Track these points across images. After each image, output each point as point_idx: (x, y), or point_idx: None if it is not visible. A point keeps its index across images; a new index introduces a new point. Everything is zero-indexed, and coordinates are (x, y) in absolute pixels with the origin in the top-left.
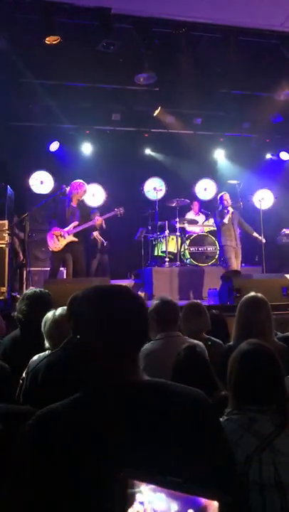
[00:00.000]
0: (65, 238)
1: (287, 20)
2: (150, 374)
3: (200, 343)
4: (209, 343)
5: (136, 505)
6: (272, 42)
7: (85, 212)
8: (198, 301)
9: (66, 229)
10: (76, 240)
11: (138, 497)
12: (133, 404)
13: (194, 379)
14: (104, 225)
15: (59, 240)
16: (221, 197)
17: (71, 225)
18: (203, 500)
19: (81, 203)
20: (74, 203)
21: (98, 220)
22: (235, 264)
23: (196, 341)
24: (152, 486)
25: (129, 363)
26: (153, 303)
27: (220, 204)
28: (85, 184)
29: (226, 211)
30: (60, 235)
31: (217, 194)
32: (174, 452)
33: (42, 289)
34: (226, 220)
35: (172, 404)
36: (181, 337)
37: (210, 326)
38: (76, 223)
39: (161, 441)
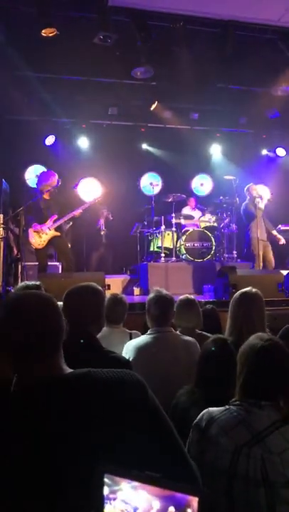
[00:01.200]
0: (47, 234)
1: (285, 15)
2: (141, 368)
3: (193, 340)
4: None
5: (118, 504)
6: (270, 37)
7: (63, 203)
8: (191, 296)
9: (46, 224)
10: (59, 234)
11: (119, 495)
12: (55, 397)
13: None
14: (110, 217)
15: (41, 237)
16: (249, 188)
17: (50, 220)
18: (185, 497)
19: (56, 195)
20: (46, 196)
21: (77, 212)
22: (260, 260)
23: (189, 338)
24: (133, 484)
25: (42, 360)
26: (148, 297)
27: (248, 196)
28: (55, 174)
29: (256, 203)
30: (41, 231)
31: (213, 189)
32: (107, 439)
33: (35, 282)
34: (256, 213)
35: (95, 391)
36: (173, 333)
37: (202, 321)
38: (55, 217)
39: (91, 430)
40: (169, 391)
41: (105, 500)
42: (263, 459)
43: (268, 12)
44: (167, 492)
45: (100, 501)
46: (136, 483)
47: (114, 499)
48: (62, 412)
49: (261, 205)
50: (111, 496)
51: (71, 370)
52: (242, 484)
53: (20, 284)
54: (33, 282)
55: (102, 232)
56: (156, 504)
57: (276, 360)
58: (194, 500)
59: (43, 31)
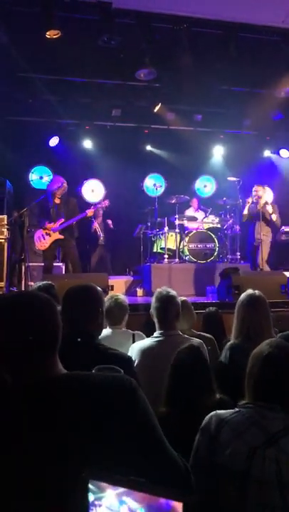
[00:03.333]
0: (50, 236)
1: None
2: (145, 372)
3: (200, 341)
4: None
5: (103, 510)
6: (274, 38)
7: (72, 207)
8: (182, 297)
9: (52, 226)
10: (62, 237)
11: (104, 502)
12: (47, 400)
13: (194, 381)
14: (111, 225)
15: (45, 239)
16: (253, 188)
17: (57, 223)
18: (170, 503)
19: (65, 198)
20: (56, 200)
21: (90, 212)
22: (260, 260)
23: (197, 340)
24: (119, 491)
25: (39, 361)
26: (153, 298)
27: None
28: (64, 180)
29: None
30: (47, 233)
31: (217, 191)
32: (93, 442)
33: (49, 282)
34: (245, 212)
35: (89, 394)
36: (180, 335)
37: (195, 322)
38: (62, 220)
39: (78, 432)
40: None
41: (90, 508)
42: (278, 461)
43: (271, 14)
44: (153, 498)
45: (84, 508)
46: (121, 490)
47: (100, 506)
48: (52, 414)
49: (259, 206)
50: (96, 502)
51: (65, 372)
52: (257, 486)
53: (37, 283)
54: (47, 282)
55: (97, 231)
56: (142, 511)
57: (285, 365)
58: (179, 506)
59: (47, 33)
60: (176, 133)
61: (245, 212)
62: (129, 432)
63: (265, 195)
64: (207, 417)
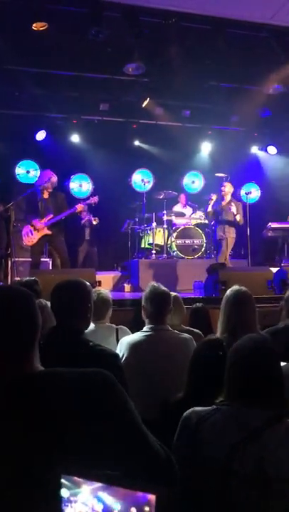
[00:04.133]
0: (38, 232)
1: (278, 14)
2: (134, 366)
3: (190, 337)
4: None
5: (78, 506)
6: (262, 35)
7: (60, 202)
8: (174, 293)
9: (41, 222)
10: (50, 232)
11: (80, 498)
12: (24, 397)
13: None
14: (94, 222)
15: (33, 234)
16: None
17: (45, 219)
18: (145, 496)
19: (54, 193)
20: (45, 195)
21: (79, 207)
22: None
23: (186, 335)
24: (94, 486)
25: (17, 358)
26: (144, 292)
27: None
28: (53, 174)
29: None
30: (35, 228)
31: (205, 187)
32: (76, 439)
33: (32, 278)
34: (209, 209)
35: (66, 390)
36: (170, 331)
37: (185, 318)
38: (50, 216)
39: (60, 429)
40: (163, 389)
41: (66, 503)
42: (259, 457)
43: (260, 10)
44: (129, 492)
45: (57, 504)
46: (97, 485)
47: (75, 502)
48: (29, 411)
49: (224, 203)
50: (72, 498)
51: (42, 369)
52: (238, 483)
53: (23, 279)
54: (30, 278)
55: (87, 223)
56: (118, 506)
57: (264, 361)
58: (153, 498)
59: (33, 25)
60: (164, 128)
61: (210, 209)
62: (108, 427)
63: (230, 193)
64: (186, 414)
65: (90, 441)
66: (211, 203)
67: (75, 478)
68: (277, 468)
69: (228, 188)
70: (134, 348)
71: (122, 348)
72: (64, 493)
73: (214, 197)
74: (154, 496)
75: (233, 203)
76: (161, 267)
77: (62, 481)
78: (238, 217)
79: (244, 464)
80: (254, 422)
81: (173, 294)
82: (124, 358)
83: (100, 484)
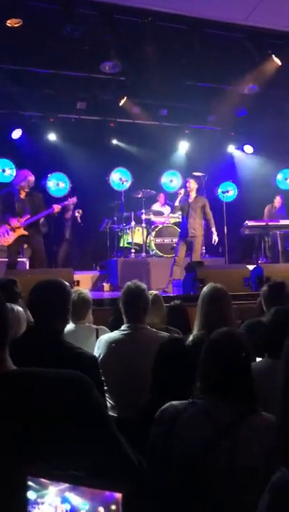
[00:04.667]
0: (15, 232)
1: (252, 15)
2: (111, 364)
3: (167, 335)
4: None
5: (45, 508)
6: (238, 36)
7: (38, 201)
8: (155, 291)
9: (18, 222)
10: (26, 233)
11: (47, 499)
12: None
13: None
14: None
15: (9, 234)
16: (185, 181)
17: (22, 219)
18: (114, 495)
19: (31, 193)
20: (22, 195)
21: (56, 207)
22: (181, 253)
23: (164, 334)
24: (61, 487)
25: None
26: (122, 292)
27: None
28: (30, 174)
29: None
30: (12, 228)
31: (183, 186)
32: (48, 441)
33: (10, 278)
34: (176, 203)
35: (37, 389)
36: (148, 329)
37: (166, 316)
38: (27, 216)
39: (33, 430)
40: (140, 388)
41: (32, 505)
42: (231, 450)
43: (235, 11)
44: (97, 492)
45: (23, 505)
46: (63, 486)
47: (42, 503)
48: (1, 410)
49: (190, 199)
50: (39, 500)
51: (15, 368)
52: (212, 476)
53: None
54: (7, 278)
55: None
56: (86, 506)
57: (231, 354)
58: (120, 497)
59: (7, 21)
60: (141, 127)
61: (177, 203)
62: (81, 430)
63: (195, 189)
64: (163, 407)
65: (60, 442)
66: (179, 197)
67: (42, 479)
68: (249, 462)
69: (192, 185)
70: (111, 346)
71: (99, 347)
72: (31, 495)
73: (182, 191)
74: (120, 494)
75: (199, 200)
76: (140, 265)
77: (29, 483)
78: (206, 214)
79: (217, 458)
80: (227, 416)
81: (154, 292)
82: (101, 356)
83: (66, 485)
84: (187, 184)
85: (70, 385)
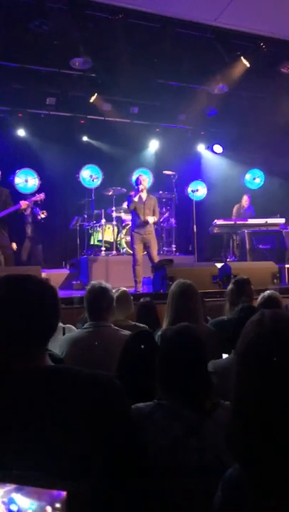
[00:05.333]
0: None
1: (221, 16)
2: (73, 362)
3: (129, 333)
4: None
5: None
6: (208, 36)
7: (4, 198)
8: (123, 288)
9: None
10: None
11: None
12: (30, 390)
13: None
14: (42, 215)
15: None
16: (137, 178)
17: None
18: (61, 493)
19: None
20: None
21: (24, 204)
22: (140, 253)
23: (127, 333)
24: (6, 489)
25: (24, 350)
26: (86, 289)
27: (135, 184)
28: None
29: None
30: None
31: (153, 184)
32: (78, 441)
33: None
34: (133, 205)
35: (74, 389)
36: (110, 327)
37: (133, 312)
38: None
39: (61, 429)
40: None
41: None
42: (199, 450)
43: (205, 12)
44: (43, 491)
45: None
46: (9, 487)
47: None
48: (28, 403)
49: (143, 195)
50: None
51: (51, 364)
52: (182, 477)
53: None
54: None
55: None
56: (33, 506)
57: (188, 353)
58: (64, 495)
59: None
60: (112, 124)
61: (136, 199)
62: (104, 427)
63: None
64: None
65: (87, 446)
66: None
67: None
68: (218, 457)
69: (146, 183)
70: (73, 344)
71: (63, 345)
72: None
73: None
74: (65, 492)
75: (151, 198)
76: (110, 263)
77: None
78: (151, 220)
79: (188, 458)
80: (192, 415)
81: (121, 288)
82: (63, 354)
83: (13, 486)
84: (141, 181)
85: (100, 386)
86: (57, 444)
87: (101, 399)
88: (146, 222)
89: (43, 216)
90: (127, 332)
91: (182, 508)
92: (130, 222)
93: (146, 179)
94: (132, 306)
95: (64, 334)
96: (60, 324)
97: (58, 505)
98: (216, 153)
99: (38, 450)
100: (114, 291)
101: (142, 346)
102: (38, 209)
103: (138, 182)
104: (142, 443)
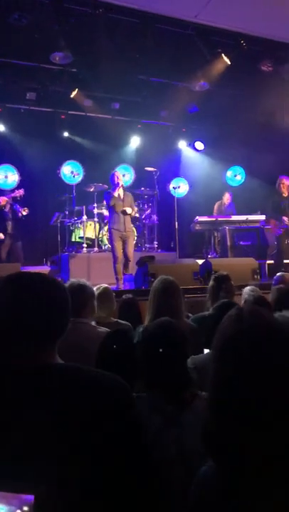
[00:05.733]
0: None
1: (202, 12)
2: None
3: (105, 330)
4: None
5: None
6: (188, 32)
7: None
8: (104, 285)
9: None
10: None
11: None
12: (39, 387)
13: (119, 365)
14: (24, 212)
15: None
16: (112, 175)
17: None
18: (29, 497)
19: None
20: None
21: (3, 200)
22: (120, 250)
23: (105, 330)
24: None
25: (35, 346)
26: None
27: (110, 182)
28: None
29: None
30: None
31: (135, 181)
32: (85, 442)
33: None
34: (113, 202)
35: (72, 387)
36: (88, 324)
37: (116, 310)
38: None
39: (68, 430)
40: None
41: None
42: (178, 439)
43: (185, 8)
44: (12, 495)
45: None
46: None
47: None
48: (34, 401)
49: (118, 192)
50: None
51: (60, 362)
52: (163, 467)
53: None
54: None
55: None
56: (3, 510)
57: (169, 346)
58: (32, 499)
59: None
60: (94, 120)
61: (116, 194)
62: (111, 432)
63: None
64: None
65: (94, 449)
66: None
67: None
68: (196, 446)
69: (121, 179)
70: None
71: None
72: None
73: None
74: (32, 496)
75: (128, 195)
76: (92, 260)
77: None
78: (129, 210)
79: (168, 449)
80: (170, 406)
81: (103, 285)
82: None
83: None
84: (117, 177)
85: (114, 392)
86: (43, 445)
87: (107, 399)
88: (125, 212)
89: (24, 213)
90: (104, 329)
91: (163, 499)
92: None
93: (121, 176)
94: (114, 303)
95: None
96: None
97: (25, 508)
98: (197, 150)
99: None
100: (95, 288)
101: (114, 346)
102: (18, 206)
103: (114, 179)
104: (144, 443)
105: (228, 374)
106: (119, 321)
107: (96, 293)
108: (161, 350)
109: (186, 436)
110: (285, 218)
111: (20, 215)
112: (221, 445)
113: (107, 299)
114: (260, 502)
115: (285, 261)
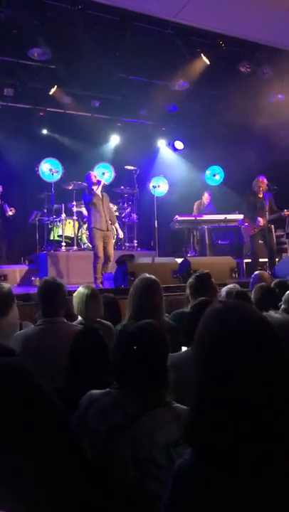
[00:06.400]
0: None
1: (181, 12)
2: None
3: (81, 327)
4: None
5: None
6: (168, 32)
7: None
8: (90, 286)
9: None
10: None
11: None
12: None
13: (92, 362)
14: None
15: None
16: (89, 175)
17: None
18: None
19: None
20: None
21: None
22: (102, 250)
23: (79, 326)
24: None
25: None
26: (39, 286)
27: (87, 182)
28: None
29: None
30: None
31: (114, 179)
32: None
33: None
34: (94, 200)
35: None
36: (65, 323)
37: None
38: None
39: None
40: (56, 382)
41: None
42: (134, 440)
43: (164, 7)
44: None
45: None
46: None
47: None
48: None
49: (98, 191)
50: None
51: None
52: (115, 464)
53: None
54: None
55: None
56: None
57: (141, 345)
58: None
59: None
60: (73, 118)
61: (98, 192)
62: (27, 417)
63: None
64: (84, 397)
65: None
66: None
67: None
68: (151, 452)
69: (97, 177)
70: (25, 341)
71: (15, 343)
72: None
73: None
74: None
75: (105, 195)
76: (71, 259)
77: None
78: (110, 212)
79: (122, 447)
80: (134, 407)
81: (90, 286)
82: (18, 352)
83: None
84: (94, 176)
85: (23, 373)
86: None
87: (9, 387)
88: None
89: (11, 213)
90: (79, 326)
91: (116, 496)
92: None
93: (99, 175)
94: (101, 302)
95: (21, 329)
96: (16, 320)
97: None
98: (176, 149)
99: None
100: (82, 288)
101: (85, 346)
102: (6, 205)
103: (91, 178)
104: (71, 427)
105: (216, 371)
106: (102, 320)
107: (85, 293)
108: (135, 347)
109: (143, 440)
110: (259, 219)
111: (8, 214)
112: (207, 444)
113: (95, 299)
114: (247, 500)
115: (261, 260)
